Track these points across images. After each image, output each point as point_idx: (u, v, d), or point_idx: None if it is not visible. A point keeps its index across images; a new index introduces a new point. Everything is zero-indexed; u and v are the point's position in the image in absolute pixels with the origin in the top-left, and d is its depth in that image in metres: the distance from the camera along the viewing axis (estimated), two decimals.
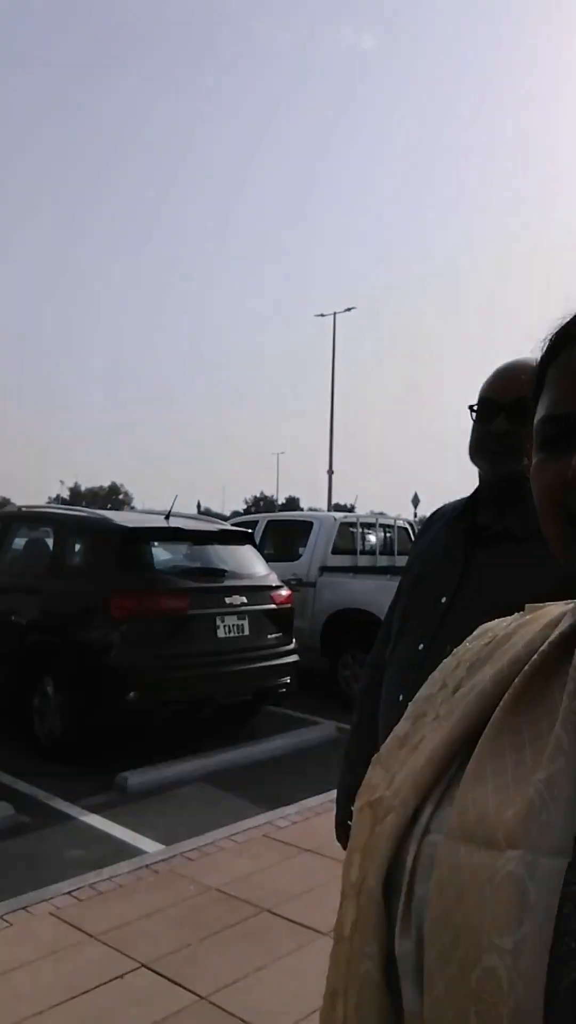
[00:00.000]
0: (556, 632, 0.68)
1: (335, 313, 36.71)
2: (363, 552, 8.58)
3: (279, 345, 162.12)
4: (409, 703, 0.77)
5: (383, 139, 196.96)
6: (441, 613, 1.67)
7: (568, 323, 0.65)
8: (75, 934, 3.17)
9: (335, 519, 8.62)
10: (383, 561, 8.62)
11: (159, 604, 5.53)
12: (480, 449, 1.65)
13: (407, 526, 9.26)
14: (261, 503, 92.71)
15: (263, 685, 6.10)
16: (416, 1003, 0.59)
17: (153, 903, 3.46)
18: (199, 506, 54.42)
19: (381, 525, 9.27)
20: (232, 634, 5.83)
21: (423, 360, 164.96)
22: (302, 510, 37.74)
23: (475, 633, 0.81)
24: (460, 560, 1.67)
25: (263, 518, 9.27)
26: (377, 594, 6.92)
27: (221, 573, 6.05)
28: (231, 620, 5.85)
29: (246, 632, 5.92)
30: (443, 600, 1.68)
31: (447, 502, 1.88)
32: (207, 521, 7.31)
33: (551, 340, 0.66)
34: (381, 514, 13.28)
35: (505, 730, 0.64)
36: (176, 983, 2.86)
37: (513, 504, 1.66)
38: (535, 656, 0.67)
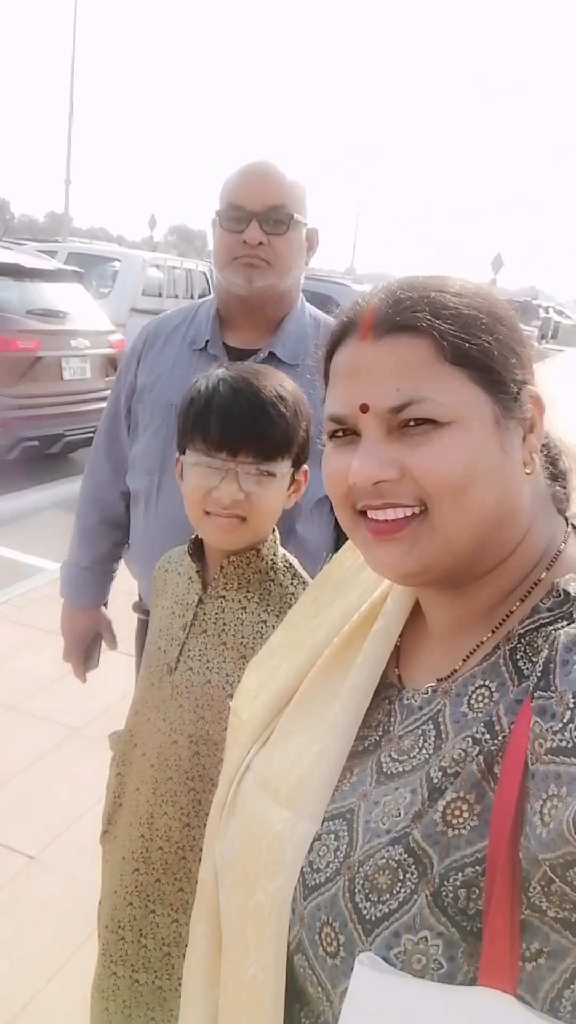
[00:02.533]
0: (378, 592, 0.78)
1: None
2: (169, 295, 8.74)
3: None
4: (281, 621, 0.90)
5: None
6: None
7: (349, 317, 0.65)
8: None
9: (144, 259, 8.58)
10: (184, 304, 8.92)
11: (11, 346, 5.60)
12: (231, 261, 1.49)
13: (206, 272, 9.50)
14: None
15: None
16: (223, 905, 0.75)
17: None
18: None
19: (186, 269, 9.41)
20: (76, 376, 6.12)
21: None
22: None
23: (348, 543, 0.83)
24: None
25: (62, 248, 8.89)
26: None
27: (64, 315, 6.13)
28: (75, 363, 6.11)
29: (87, 375, 6.23)
30: None
31: (165, 313, 1.72)
32: (36, 256, 7.04)
33: (334, 330, 0.67)
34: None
35: (315, 687, 0.75)
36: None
37: (268, 324, 1.56)
38: (356, 615, 0.77)
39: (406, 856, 0.58)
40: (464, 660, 0.66)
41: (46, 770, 2.75)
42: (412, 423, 0.61)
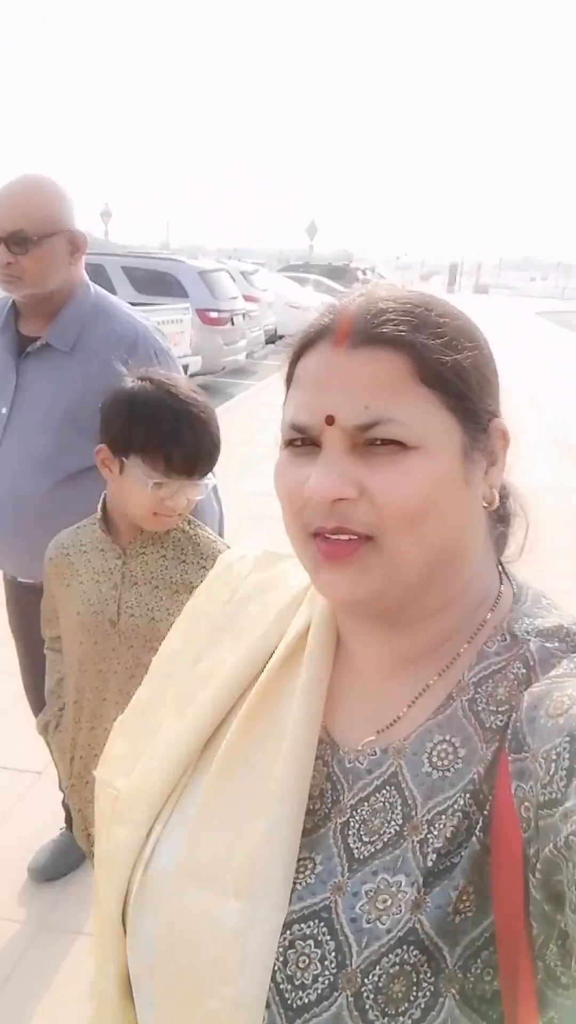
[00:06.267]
0: (292, 631, 0.71)
1: None
2: None
3: None
4: (154, 659, 0.79)
5: None
6: (3, 425, 1.83)
7: (324, 322, 0.62)
8: None
9: None
10: None
11: None
12: None
13: None
14: None
15: None
16: (149, 1021, 0.64)
17: None
18: None
19: None
20: None
21: None
22: None
23: (216, 572, 0.81)
24: (13, 370, 1.83)
25: None
26: None
27: None
28: None
29: None
30: (3, 411, 1.84)
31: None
32: None
33: (306, 331, 0.63)
34: None
35: (238, 750, 0.66)
36: None
37: (51, 316, 1.83)
38: (272, 660, 0.70)
39: (419, 955, 0.53)
40: (409, 706, 0.63)
41: None
42: (378, 442, 0.58)
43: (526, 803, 0.52)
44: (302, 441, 0.61)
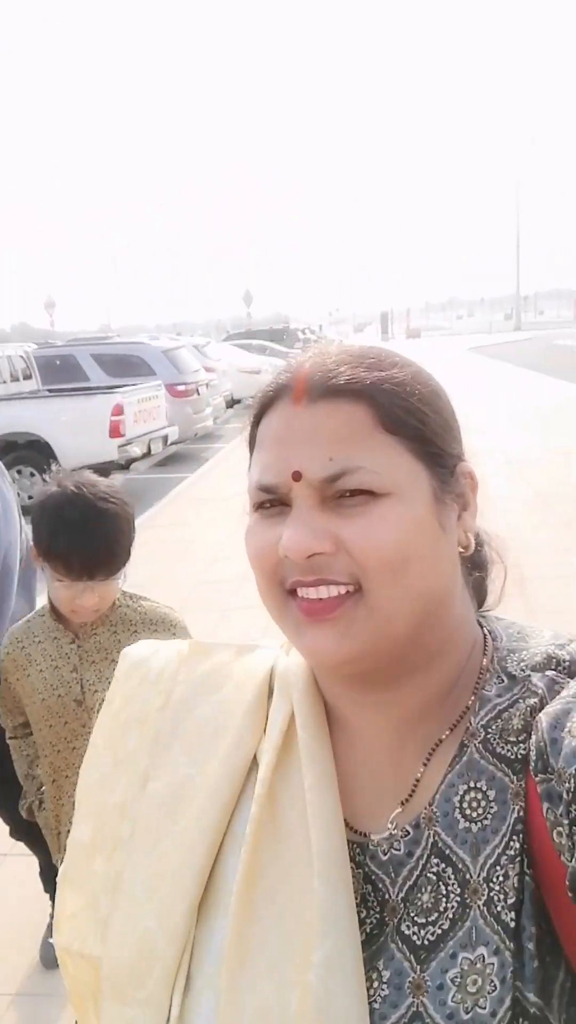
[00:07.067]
0: (274, 731, 0.64)
1: None
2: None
3: None
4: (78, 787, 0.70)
5: None
6: None
7: (280, 382, 0.61)
8: None
9: None
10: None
11: None
12: None
13: (23, 355, 10.29)
14: None
15: None
16: None
17: None
18: None
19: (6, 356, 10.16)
20: None
21: None
22: None
23: (124, 671, 0.73)
24: None
25: None
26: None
27: None
28: None
29: None
30: None
31: None
32: None
33: (264, 395, 0.63)
34: None
35: (254, 876, 0.58)
36: None
37: None
38: (262, 770, 0.62)
39: None
40: (424, 764, 0.60)
41: None
42: (348, 494, 0.57)
43: (558, 828, 0.50)
44: (271, 503, 0.60)
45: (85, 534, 1.47)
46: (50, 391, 9.73)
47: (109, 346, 12.10)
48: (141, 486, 8.90)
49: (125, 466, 8.75)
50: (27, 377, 9.92)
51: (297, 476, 0.58)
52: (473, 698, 0.62)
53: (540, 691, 0.59)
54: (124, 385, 9.28)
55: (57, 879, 0.69)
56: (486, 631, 0.66)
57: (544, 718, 0.55)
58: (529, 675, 0.60)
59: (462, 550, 0.63)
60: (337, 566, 0.57)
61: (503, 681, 0.61)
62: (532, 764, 0.54)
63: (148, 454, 9.23)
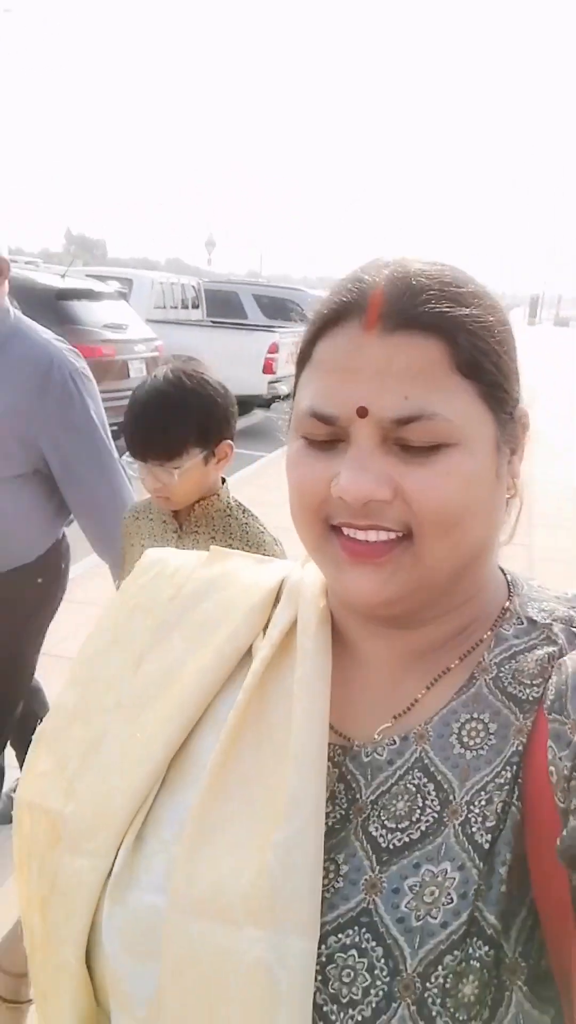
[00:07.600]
0: (275, 630, 0.65)
1: None
2: (171, 307, 10.42)
3: None
4: (76, 660, 0.69)
5: None
6: None
7: (348, 299, 0.56)
8: None
9: (152, 278, 10.26)
10: (182, 313, 10.67)
11: (97, 353, 7.20)
12: None
13: (194, 285, 11.21)
14: None
15: None
16: None
17: None
18: None
19: (181, 284, 11.15)
20: (137, 375, 7.77)
21: None
22: None
23: (144, 566, 0.74)
24: None
25: (75, 272, 10.43)
26: None
27: (126, 327, 7.77)
28: (136, 364, 7.78)
29: (143, 373, 7.87)
30: None
31: None
32: (93, 281, 8.62)
33: (324, 312, 0.57)
34: None
35: (234, 760, 0.58)
36: None
37: None
38: (256, 663, 0.62)
39: (485, 947, 0.49)
40: (427, 688, 0.60)
41: None
42: (413, 439, 0.53)
43: (561, 771, 0.50)
44: (321, 433, 0.56)
45: (144, 415, 1.51)
46: (213, 322, 10.61)
47: (268, 288, 12.90)
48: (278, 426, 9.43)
49: (267, 403, 9.38)
50: (195, 307, 10.85)
51: (363, 412, 0.54)
52: (489, 633, 0.61)
53: (560, 641, 0.59)
54: (280, 327, 10.01)
55: (32, 737, 0.68)
56: (509, 577, 0.66)
57: (570, 662, 0.54)
58: (551, 623, 0.60)
59: (508, 495, 0.61)
60: (391, 513, 0.55)
61: (522, 624, 0.61)
62: (548, 703, 0.54)
63: (292, 396, 9.88)
